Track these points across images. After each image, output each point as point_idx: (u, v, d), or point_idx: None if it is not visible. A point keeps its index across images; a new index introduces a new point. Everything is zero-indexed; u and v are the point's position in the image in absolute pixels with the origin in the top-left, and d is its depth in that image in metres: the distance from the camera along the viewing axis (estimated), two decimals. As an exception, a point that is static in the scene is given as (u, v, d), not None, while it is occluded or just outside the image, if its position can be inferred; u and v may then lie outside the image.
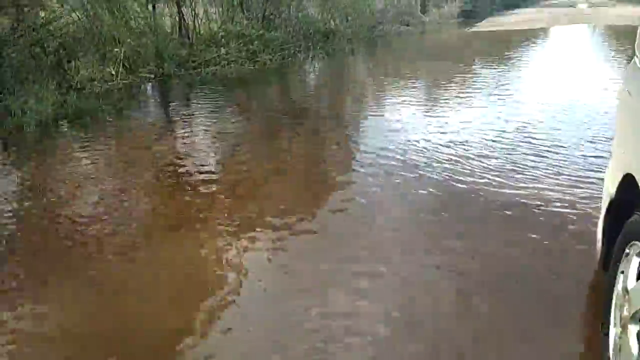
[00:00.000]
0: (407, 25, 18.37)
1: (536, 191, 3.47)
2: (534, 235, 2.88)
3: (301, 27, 13.03)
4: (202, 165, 4.47)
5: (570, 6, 29.91)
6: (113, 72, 8.21)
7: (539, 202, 3.29)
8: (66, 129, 5.93)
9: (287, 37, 12.09)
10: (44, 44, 7.61)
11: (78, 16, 8.88)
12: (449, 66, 9.81)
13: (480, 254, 2.74)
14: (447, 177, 3.86)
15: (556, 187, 3.52)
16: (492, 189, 3.56)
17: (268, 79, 9.53)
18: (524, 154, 4.29)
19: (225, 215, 3.40)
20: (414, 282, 2.52)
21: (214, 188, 3.92)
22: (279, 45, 11.46)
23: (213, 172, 4.34)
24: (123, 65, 8.42)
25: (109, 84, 7.97)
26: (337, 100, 7.70)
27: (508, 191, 3.51)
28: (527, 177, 3.75)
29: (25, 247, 3.14)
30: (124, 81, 8.22)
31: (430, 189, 3.66)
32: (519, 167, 3.97)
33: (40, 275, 2.74)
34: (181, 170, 4.36)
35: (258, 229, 3.16)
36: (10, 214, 3.55)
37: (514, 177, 3.75)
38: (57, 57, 7.62)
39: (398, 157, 4.38)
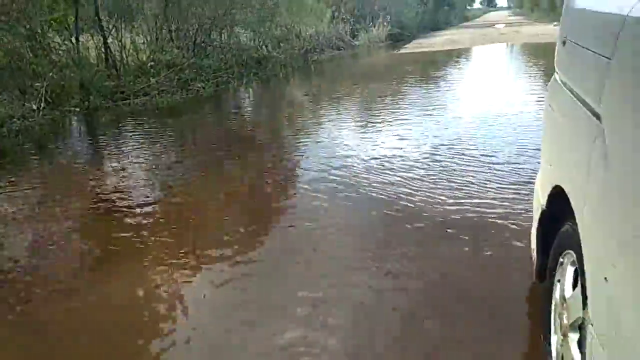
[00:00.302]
0: (339, 49, 18.82)
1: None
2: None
3: (234, 54, 12.99)
4: (133, 200, 4.25)
5: (488, 27, 31.89)
6: (34, 108, 7.76)
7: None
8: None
9: (220, 64, 12.00)
10: (-46, 81, 7.09)
11: (-7, 50, 8.38)
12: (380, 87, 10.07)
13: (416, 262, 2.75)
14: (386, 194, 3.89)
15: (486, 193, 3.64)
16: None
17: (201, 107, 9.36)
18: (455, 169, 4.42)
19: (161, 249, 3.22)
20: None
21: (145, 221, 3.73)
22: (211, 73, 11.34)
23: (145, 205, 4.13)
24: (45, 100, 7.99)
25: (30, 120, 7.52)
26: (272, 127, 7.66)
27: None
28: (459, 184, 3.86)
29: None
30: (46, 117, 7.79)
31: (367, 206, 3.67)
32: (451, 177, 4.08)
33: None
34: (109, 205, 4.12)
35: (195, 262, 3.02)
36: None
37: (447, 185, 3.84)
38: (-31, 95, 7.10)
39: (337, 178, 4.38)
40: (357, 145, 5.50)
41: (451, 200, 3.69)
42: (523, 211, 3.33)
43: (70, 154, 6.24)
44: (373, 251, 3.05)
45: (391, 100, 8.46)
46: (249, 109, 9.60)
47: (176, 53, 11.30)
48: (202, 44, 12.36)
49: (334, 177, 4.43)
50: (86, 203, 4.27)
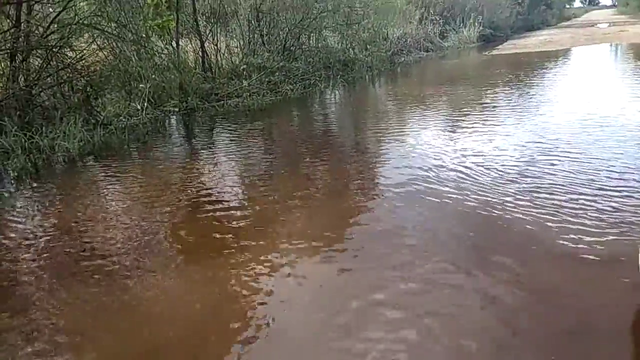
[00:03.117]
0: (427, 51, 18.45)
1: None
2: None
3: (321, 57, 13.18)
4: (229, 194, 4.46)
5: (590, 26, 29.72)
6: (139, 107, 8.38)
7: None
8: (92, 164, 6.02)
9: (308, 67, 12.23)
10: (71, 82, 7.83)
11: (105, 55, 9.15)
12: (469, 90, 9.73)
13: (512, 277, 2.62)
14: (480, 201, 3.76)
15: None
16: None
17: (289, 109, 9.60)
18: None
19: (259, 241, 3.35)
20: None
21: (235, 213, 3.89)
22: (299, 75, 11.59)
23: (241, 201, 4.32)
24: (148, 100, 8.60)
25: (135, 119, 8.13)
26: (357, 129, 7.67)
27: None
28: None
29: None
30: (149, 116, 8.38)
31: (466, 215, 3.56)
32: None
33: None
34: (207, 199, 4.35)
35: (294, 256, 3.11)
36: (34, 245, 3.57)
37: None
38: (84, 95, 7.82)
39: (421, 186, 4.30)
40: (443, 151, 5.35)
41: (552, 225, 3.48)
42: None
43: (169, 150, 6.67)
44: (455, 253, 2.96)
45: (481, 104, 8.15)
46: (335, 110, 9.68)
47: (267, 56, 11.67)
48: (292, 48, 12.66)
49: (418, 184, 4.35)
50: (182, 195, 4.54)
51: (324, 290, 2.77)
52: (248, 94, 10.04)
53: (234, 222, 3.83)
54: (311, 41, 13.68)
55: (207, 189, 4.72)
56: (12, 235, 3.90)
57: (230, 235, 3.58)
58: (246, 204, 4.30)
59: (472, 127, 6.38)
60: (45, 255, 3.47)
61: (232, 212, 4.07)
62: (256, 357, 2.28)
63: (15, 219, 4.30)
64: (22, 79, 7.31)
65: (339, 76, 12.80)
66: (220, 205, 4.25)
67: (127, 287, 2.96)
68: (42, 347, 2.43)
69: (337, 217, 3.85)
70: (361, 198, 4.25)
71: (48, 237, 3.77)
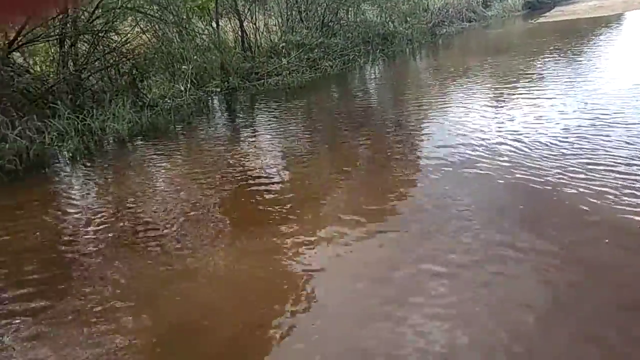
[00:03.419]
0: (470, 21, 17.88)
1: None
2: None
3: (360, 32, 13.02)
4: (272, 170, 4.55)
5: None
6: (182, 89, 8.57)
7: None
8: (141, 144, 6.25)
9: (347, 42, 12.12)
10: (118, 65, 8.08)
11: (148, 38, 9.37)
12: (513, 61, 9.41)
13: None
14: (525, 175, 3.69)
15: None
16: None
17: (328, 85, 9.58)
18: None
19: (303, 215, 3.43)
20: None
21: (277, 187, 3.98)
22: (338, 51, 11.51)
23: (284, 176, 4.40)
24: (191, 81, 8.77)
25: (179, 100, 8.33)
26: (397, 104, 7.59)
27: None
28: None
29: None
30: (192, 96, 8.56)
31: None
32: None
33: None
34: (251, 175, 4.46)
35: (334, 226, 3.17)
36: (97, 220, 3.78)
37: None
38: (130, 78, 8.06)
39: (470, 157, 4.25)
40: (487, 124, 5.24)
41: (609, 198, 3.38)
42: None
43: (213, 129, 6.82)
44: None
45: (527, 75, 7.88)
46: (375, 86, 9.59)
47: (305, 33, 11.62)
48: (330, 23, 12.55)
49: (462, 158, 4.29)
50: (228, 172, 4.67)
51: (368, 261, 2.81)
52: (287, 71, 10.08)
53: (278, 196, 3.92)
54: (349, 16, 13.51)
55: (250, 166, 4.83)
56: (72, 211, 4.13)
57: (274, 209, 3.67)
58: (289, 179, 4.38)
59: (518, 99, 6.20)
60: (103, 228, 3.67)
61: (276, 186, 4.16)
62: (301, 321, 2.37)
63: (73, 197, 4.55)
64: (72, 63, 7.60)
65: (378, 50, 12.63)
66: (264, 181, 4.35)
67: (180, 257, 3.10)
68: (103, 310, 2.60)
69: (379, 191, 3.87)
70: (403, 172, 4.24)
71: (104, 213, 3.98)
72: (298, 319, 2.41)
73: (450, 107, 6.33)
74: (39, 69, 7.89)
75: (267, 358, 2.21)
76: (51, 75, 7.49)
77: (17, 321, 2.58)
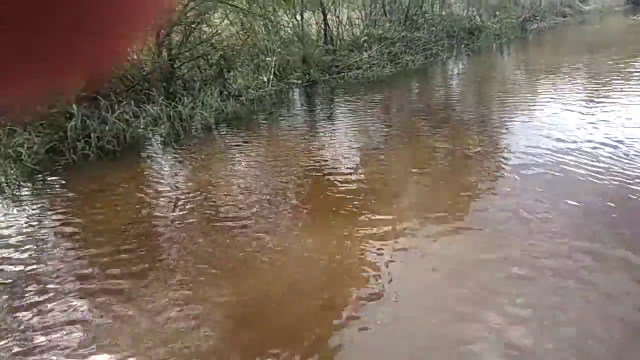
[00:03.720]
0: (564, 16, 16.88)
1: None
2: None
3: (445, 25, 12.71)
4: (349, 163, 4.61)
5: None
6: (265, 80, 8.85)
7: None
8: (225, 132, 6.55)
9: (430, 36, 11.89)
10: (207, 56, 8.48)
11: (236, 30, 9.75)
12: (611, 61, 8.77)
13: None
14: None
15: None
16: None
17: (409, 80, 9.47)
18: None
19: (377, 209, 3.47)
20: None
21: (361, 184, 4.03)
22: (421, 45, 11.33)
23: (360, 170, 4.46)
24: (274, 73, 9.03)
25: (262, 90, 8.61)
26: (480, 102, 7.36)
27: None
28: None
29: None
30: (274, 88, 8.82)
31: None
32: None
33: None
34: (328, 166, 4.55)
35: (408, 222, 3.18)
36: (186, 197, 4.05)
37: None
38: (218, 68, 8.44)
39: (557, 160, 4.06)
40: (578, 126, 4.96)
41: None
42: None
43: (293, 120, 7.00)
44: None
45: (624, 75, 7.33)
46: (457, 82, 9.35)
47: (388, 27, 11.54)
48: (414, 17, 12.37)
49: (548, 161, 4.11)
50: (305, 163, 4.79)
51: (444, 257, 2.80)
52: (368, 65, 10.07)
53: (353, 188, 3.98)
54: (434, 9, 13.22)
55: (328, 157, 4.92)
56: (162, 189, 4.44)
57: (349, 200, 3.73)
58: (365, 172, 4.42)
59: (615, 101, 5.80)
60: (190, 207, 3.92)
61: (351, 179, 4.21)
62: (373, 307, 2.41)
63: (164, 177, 4.88)
64: (166, 53, 8.09)
65: (463, 45, 12.27)
66: (340, 173, 4.42)
67: (259, 237, 3.25)
68: (188, 279, 2.79)
69: (457, 189, 3.81)
70: (483, 173, 4.14)
71: (191, 193, 4.24)
72: (370, 304, 2.46)
73: (538, 106, 6.05)
74: (137, 57, 8.47)
75: (336, 337, 2.27)
76: (147, 64, 8.01)
77: (115, 285, 2.85)
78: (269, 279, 2.80)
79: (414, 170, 4.32)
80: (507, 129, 5.36)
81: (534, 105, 6.13)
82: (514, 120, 5.58)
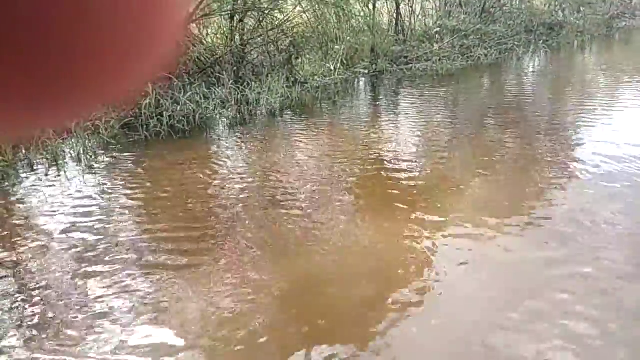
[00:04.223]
0: (658, 14, 15.63)
1: None
2: None
3: (523, 19, 12.15)
4: (410, 156, 4.57)
5: None
6: (332, 68, 8.87)
7: None
8: (289, 118, 6.66)
9: (507, 30, 11.42)
10: (277, 42, 8.62)
11: (307, 17, 9.81)
12: None
13: None
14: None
15: None
16: None
17: (480, 75, 9.17)
18: None
19: (436, 204, 3.43)
20: None
21: (422, 178, 3.99)
22: (496, 39, 10.91)
23: (421, 164, 4.41)
24: (341, 61, 9.04)
25: (328, 79, 8.65)
26: (555, 102, 7.01)
27: None
28: None
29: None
30: (340, 76, 8.83)
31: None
32: None
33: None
34: (389, 158, 4.53)
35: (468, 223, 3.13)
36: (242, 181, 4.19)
37: None
38: (287, 54, 8.56)
39: (630, 169, 3.83)
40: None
41: None
42: None
43: (356, 110, 7.00)
44: None
45: None
46: (532, 80, 8.94)
47: (463, 18, 11.20)
48: (491, 9, 11.90)
49: (621, 169, 3.87)
50: (365, 153, 4.79)
51: (502, 260, 2.74)
52: (438, 58, 9.84)
53: (412, 183, 3.94)
54: (514, 2, 12.66)
55: (388, 149, 4.89)
56: (225, 171, 4.61)
57: (406, 194, 3.71)
58: (425, 167, 4.36)
59: None
60: (249, 188, 4.05)
61: (410, 173, 4.18)
62: (422, 302, 2.41)
63: (225, 159, 5.06)
64: (238, 38, 8.30)
65: (541, 41, 11.69)
66: (399, 166, 4.38)
67: (313, 224, 3.31)
68: (243, 257, 2.91)
69: (521, 192, 3.68)
70: (550, 175, 3.97)
71: (251, 176, 4.38)
72: (421, 298, 2.45)
73: (619, 112, 5.69)
74: (210, 41, 8.75)
75: (381, 326, 2.29)
76: (220, 47, 8.26)
77: (172, 260, 3.01)
78: (321, 262, 2.86)
79: (476, 169, 4.21)
80: (582, 133, 5.09)
81: (615, 111, 5.76)
82: (590, 125, 5.29)
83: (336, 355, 2.14)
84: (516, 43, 11.10)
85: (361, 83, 9.01)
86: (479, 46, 10.46)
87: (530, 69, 9.87)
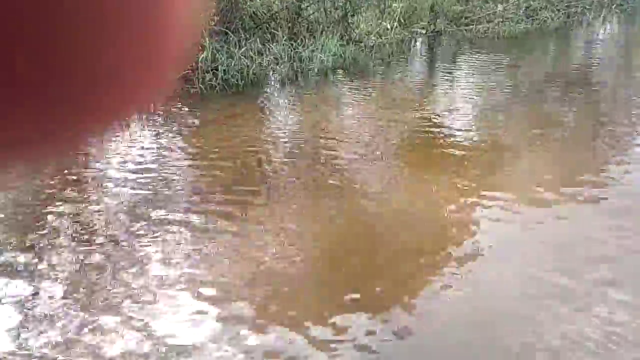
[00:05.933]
0: None
1: None
2: None
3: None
4: (461, 122, 4.49)
5: None
6: (389, 27, 8.66)
7: None
8: (341, 78, 6.62)
9: (579, -8, 10.71)
10: (334, -1, 8.46)
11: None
12: None
13: None
14: None
15: None
16: None
17: (545, 40, 8.70)
18: None
19: (485, 174, 3.41)
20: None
21: (472, 146, 3.94)
22: (565, 1, 10.26)
23: (473, 131, 4.33)
24: (398, 20, 8.79)
25: (383, 38, 8.46)
26: (628, 71, 6.60)
27: None
28: None
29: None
30: (396, 36, 8.61)
31: None
32: None
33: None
34: (439, 123, 4.48)
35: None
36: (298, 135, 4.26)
37: None
38: (343, 12, 8.40)
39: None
40: None
41: None
42: None
43: (410, 72, 6.86)
44: None
45: None
46: (601, 47, 8.42)
47: (531, -22, 10.56)
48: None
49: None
50: (415, 117, 4.74)
51: (545, 239, 2.71)
52: (501, 19, 9.39)
53: (461, 151, 3.89)
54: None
55: (440, 114, 4.81)
56: (274, 127, 4.69)
57: (454, 162, 3.67)
58: (476, 135, 4.28)
59: None
60: (298, 146, 4.12)
61: (462, 140, 4.11)
62: (461, 273, 2.44)
63: (276, 114, 5.14)
64: (294, -7, 8.21)
65: (614, 5, 10.89)
66: (451, 132, 4.32)
67: (358, 187, 3.36)
68: (287, 216, 3.01)
69: (575, 166, 3.57)
70: (610, 151, 3.82)
71: (300, 134, 4.44)
72: (460, 268, 2.48)
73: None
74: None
75: (415, 291, 2.35)
76: (276, 3, 8.21)
77: (224, 208, 3.15)
78: (365, 218, 2.93)
79: (531, 138, 4.10)
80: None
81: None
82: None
83: (389, 316, 2.22)
84: (586, 6, 10.41)
85: (417, 44, 8.77)
86: (545, 8, 9.89)
87: (600, 36, 9.27)
